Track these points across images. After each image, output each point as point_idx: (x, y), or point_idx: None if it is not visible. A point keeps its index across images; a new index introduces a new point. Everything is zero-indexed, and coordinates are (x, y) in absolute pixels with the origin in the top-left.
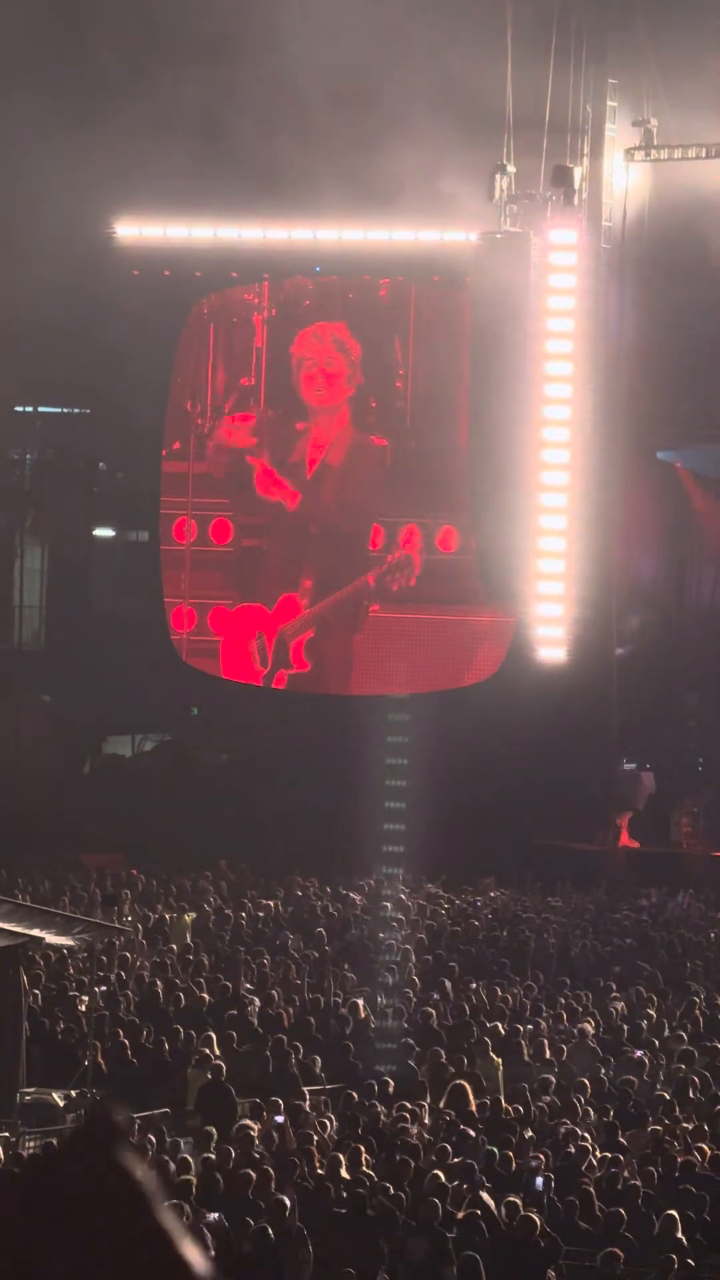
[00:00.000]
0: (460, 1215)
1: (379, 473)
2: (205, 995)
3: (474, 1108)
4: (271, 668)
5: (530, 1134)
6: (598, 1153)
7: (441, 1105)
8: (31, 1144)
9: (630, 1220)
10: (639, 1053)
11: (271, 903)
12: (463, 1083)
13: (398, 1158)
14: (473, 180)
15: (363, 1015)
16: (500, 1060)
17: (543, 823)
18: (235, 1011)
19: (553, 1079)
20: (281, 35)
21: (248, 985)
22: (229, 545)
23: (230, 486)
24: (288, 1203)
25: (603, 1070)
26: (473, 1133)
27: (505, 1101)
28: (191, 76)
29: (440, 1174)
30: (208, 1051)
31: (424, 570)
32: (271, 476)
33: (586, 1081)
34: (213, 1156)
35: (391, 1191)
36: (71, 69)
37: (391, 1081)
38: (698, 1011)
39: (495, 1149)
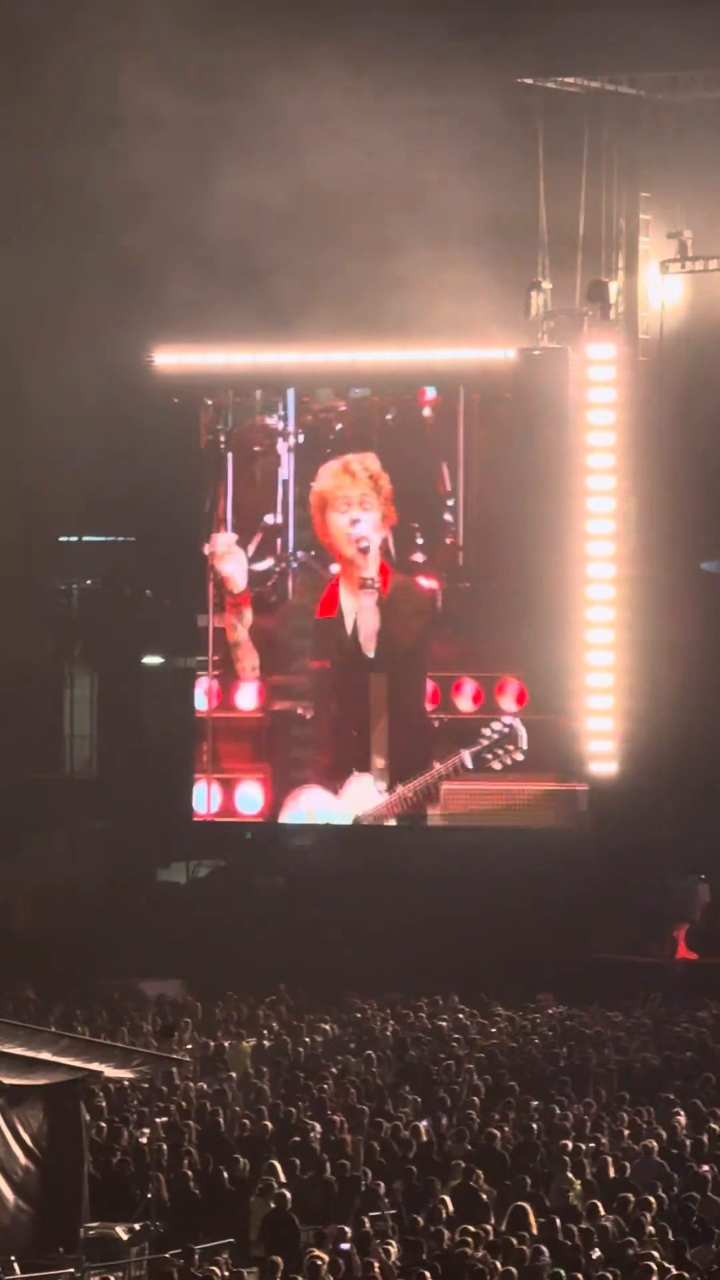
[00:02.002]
0: None
1: (427, 620)
2: (267, 1122)
3: (536, 1229)
4: None
5: (597, 1254)
6: (669, 1271)
7: (504, 1228)
8: (95, 1278)
9: None
10: (705, 1167)
11: (330, 1026)
12: (524, 1205)
13: None
14: (509, 298)
15: (425, 1138)
16: (563, 1179)
17: (599, 936)
18: (297, 1138)
19: (618, 1197)
20: (313, 158)
21: (309, 1111)
22: (259, 711)
23: (257, 643)
24: None
25: (666, 1186)
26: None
27: (569, 1221)
28: (224, 203)
29: None
30: (271, 1180)
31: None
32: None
33: (651, 1199)
34: None
35: None
36: (106, 198)
37: (455, 1204)
38: None
39: (562, 1270)
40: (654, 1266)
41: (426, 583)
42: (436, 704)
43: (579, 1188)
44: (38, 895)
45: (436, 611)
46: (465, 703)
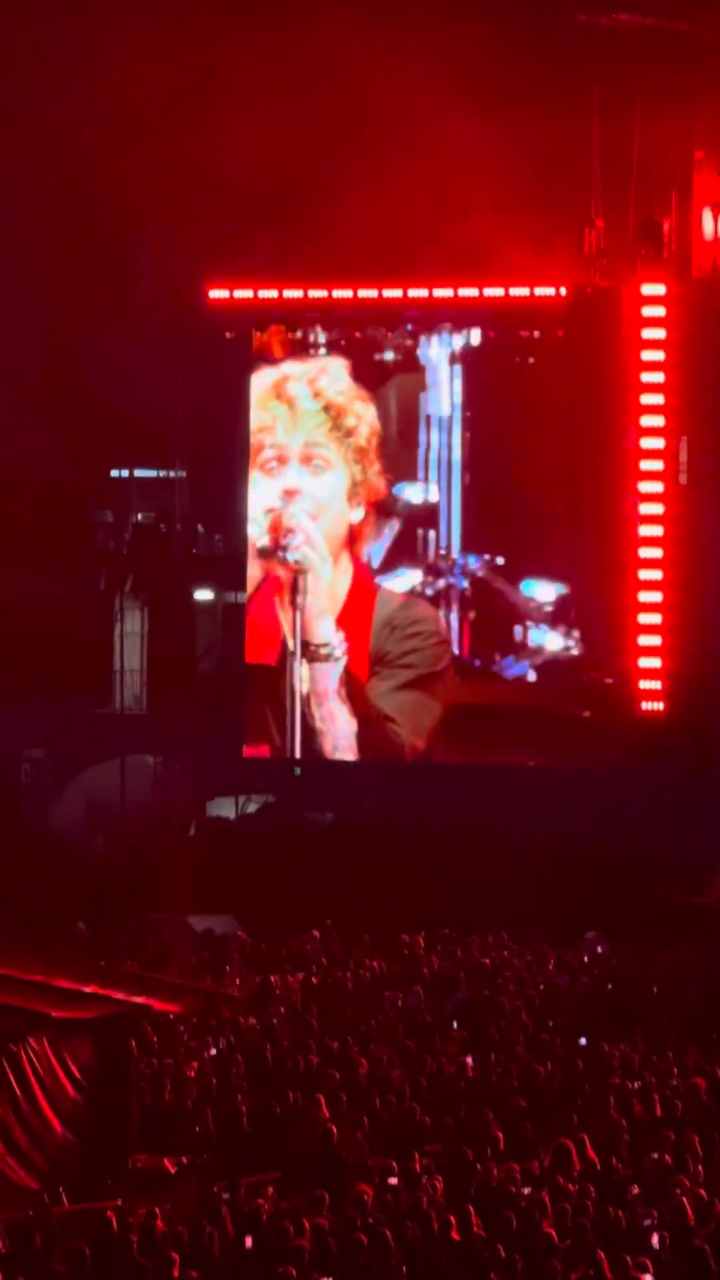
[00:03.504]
0: (573, 1276)
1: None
2: (314, 1057)
3: (581, 1166)
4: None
5: (641, 1190)
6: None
7: (549, 1164)
8: (143, 1211)
9: None
10: None
11: (378, 963)
12: (567, 1142)
13: (508, 1217)
14: (561, 236)
15: (471, 1074)
16: (610, 1117)
17: (648, 877)
18: (345, 1073)
19: (663, 1135)
20: (366, 94)
21: (356, 1046)
22: None
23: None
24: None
25: (714, 1126)
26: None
27: (616, 1159)
28: (275, 138)
29: (552, 1233)
30: (318, 1114)
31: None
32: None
33: (697, 1137)
34: (326, 1221)
35: (502, 1253)
36: (166, 127)
37: (502, 1139)
38: None
39: (608, 1207)
40: (700, 1204)
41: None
42: None
43: (610, 1123)
44: (110, 827)
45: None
46: None
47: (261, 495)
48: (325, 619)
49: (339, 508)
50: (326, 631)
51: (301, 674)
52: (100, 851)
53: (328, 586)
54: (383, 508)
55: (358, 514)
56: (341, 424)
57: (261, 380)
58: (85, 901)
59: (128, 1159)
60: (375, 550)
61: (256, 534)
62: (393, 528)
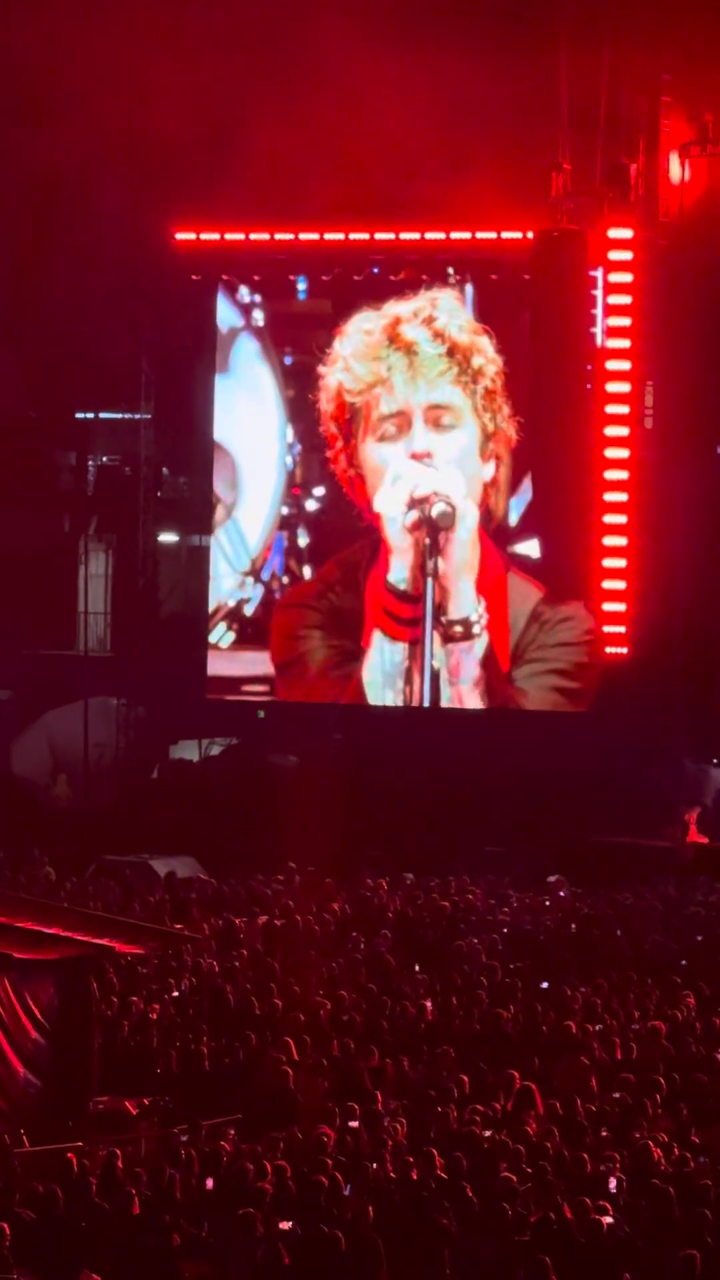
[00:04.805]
0: (532, 1219)
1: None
2: (276, 1000)
3: (543, 1109)
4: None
5: (604, 1134)
6: (672, 1153)
7: (511, 1107)
8: (104, 1152)
9: (706, 1222)
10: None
11: (340, 905)
12: (531, 1084)
13: (468, 1160)
14: (528, 179)
15: (433, 1017)
16: (571, 1060)
17: (611, 820)
18: (306, 1015)
19: (624, 1078)
20: (331, 37)
21: (318, 989)
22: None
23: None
24: (371, 1211)
25: (674, 1068)
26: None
27: (576, 1102)
28: (248, 81)
29: (512, 1177)
30: (279, 1057)
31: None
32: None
33: (659, 1080)
34: (286, 1163)
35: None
36: (132, 70)
37: (466, 1081)
38: None
39: (567, 1150)
40: (660, 1148)
41: None
42: None
43: (571, 1066)
44: (73, 770)
45: None
46: None
47: (384, 462)
48: (464, 582)
49: (472, 467)
50: (467, 601)
51: (435, 648)
52: (63, 793)
53: (467, 546)
54: (519, 457)
55: (489, 469)
56: (469, 367)
57: (362, 326)
58: (48, 843)
59: (89, 1100)
60: (513, 506)
61: (393, 507)
62: (531, 479)
